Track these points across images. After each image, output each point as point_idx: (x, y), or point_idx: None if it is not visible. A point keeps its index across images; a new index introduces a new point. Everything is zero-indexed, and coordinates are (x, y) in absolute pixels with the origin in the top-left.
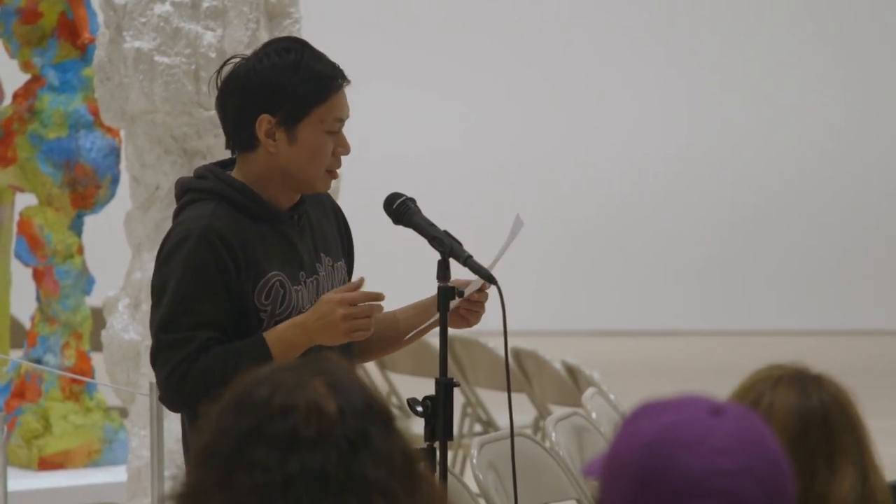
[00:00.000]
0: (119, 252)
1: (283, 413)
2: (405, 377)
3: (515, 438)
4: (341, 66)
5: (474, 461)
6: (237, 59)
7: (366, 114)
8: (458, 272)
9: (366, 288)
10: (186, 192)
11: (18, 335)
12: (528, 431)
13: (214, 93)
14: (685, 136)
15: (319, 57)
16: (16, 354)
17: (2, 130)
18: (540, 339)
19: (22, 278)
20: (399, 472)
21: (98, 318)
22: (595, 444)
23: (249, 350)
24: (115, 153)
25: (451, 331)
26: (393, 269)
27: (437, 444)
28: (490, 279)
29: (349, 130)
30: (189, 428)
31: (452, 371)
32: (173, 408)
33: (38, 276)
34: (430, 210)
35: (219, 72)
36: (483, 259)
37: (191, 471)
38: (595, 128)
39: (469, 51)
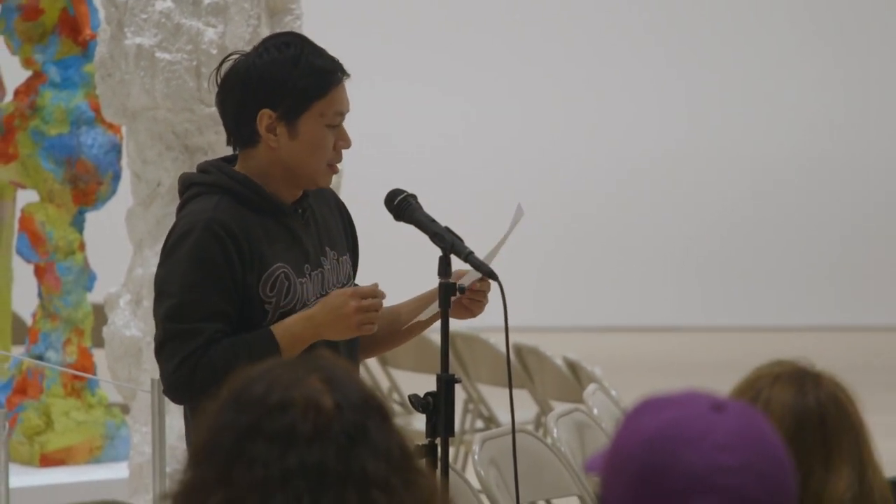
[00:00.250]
0: (120, 248)
1: (281, 409)
2: (407, 373)
3: (517, 434)
4: (341, 62)
5: (476, 457)
6: (236, 56)
7: (366, 111)
8: (460, 267)
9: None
10: (190, 187)
11: (20, 332)
12: (530, 427)
13: (214, 89)
14: (685, 135)
15: (319, 51)
16: (17, 351)
17: (3, 127)
18: (541, 335)
19: (23, 275)
20: (397, 465)
21: (99, 314)
22: (596, 441)
23: (257, 343)
24: (116, 150)
25: (452, 327)
26: (394, 266)
27: (438, 441)
28: (491, 275)
29: (350, 126)
30: (192, 422)
31: (454, 367)
32: (179, 400)
33: (39, 272)
34: (430, 207)
35: (218, 69)
36: (486, 248)
37: (189, 468)
38: (596, 126)
39: (470, 49)
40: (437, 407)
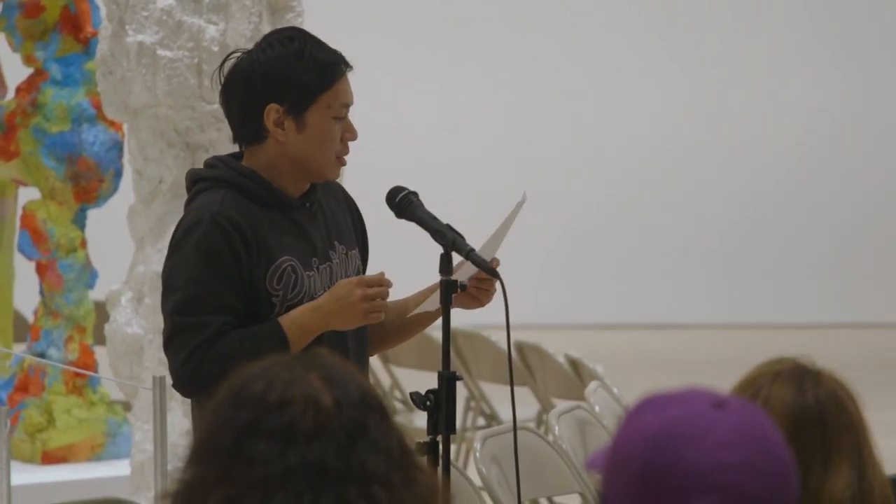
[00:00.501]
0: (122, 246)
1: (280, 407)
2: (408, 371)
3: (518, 432)
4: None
5: (477, 455)
6: (239, 54)
7: (367, 107)
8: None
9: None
10: (197, 182)
11: (22, 329)
12: (532, 425)
13: (218, 88)
14: (687, 132)
15: (321, 45)
16: (19, 348)
17: (5, 124)
18: (543, 332)
19: (25, 272)
20: (397, 462)
21: (101, 311)
22: (598, 438)
23: (265, 335)
24: (117, 147)
25: (453, 325)
26: (395, 263)
27: (440, 438)
28: (493, 273)
29: (352, 121)
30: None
31: (455, 365)
32: (187, 393)
33: (41, 269)
34: (431, 204)
35: (221, 67)
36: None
37: (188, 467)
38: (597, 123)
39: (472, 46)
40: (439, 404)
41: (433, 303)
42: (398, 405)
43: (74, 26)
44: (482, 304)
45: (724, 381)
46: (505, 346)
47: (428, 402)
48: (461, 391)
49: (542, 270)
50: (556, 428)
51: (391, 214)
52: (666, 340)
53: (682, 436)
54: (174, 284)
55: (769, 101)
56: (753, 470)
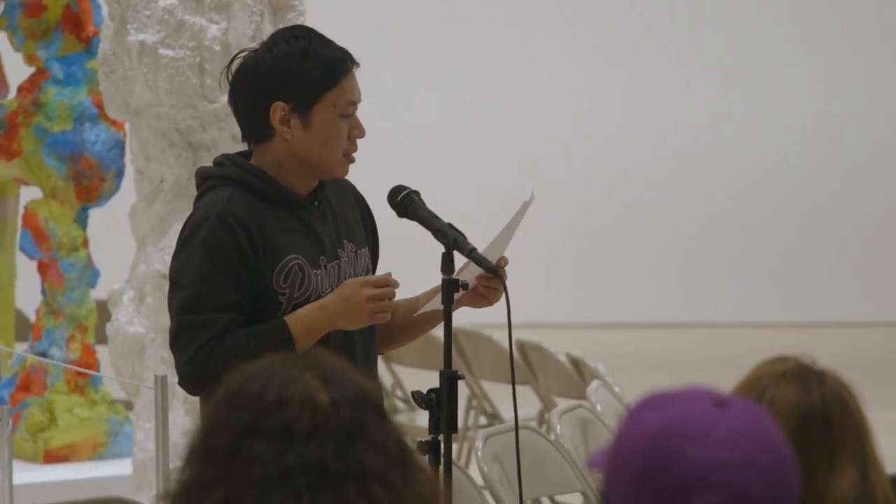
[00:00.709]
0: (124, 245)
1: (278, 407)
2: (410, 370)
3: (520, 431)
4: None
5: (479, 454)
6: (246, 53)
7: (368, 108)
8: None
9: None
10: (206, 180)
11: (23, 328)
12: (533, 424)
13: (227, 87)
14: (688, 132)
15: (328, 42)
16: (21, 348)
17: (6, 123)
18: (545, 331)
19: (27, 271)
20: (396, 460)
21: (103, 310)
22: (600, 437)
23: (271, 333)
24: (119, 146)
25: (455, 324)
26: (396, 262)
27: (441, 437)
28: (494, 272)
29: None
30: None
31: (457, 364)
32: (193, 391)
33: (42, 269)
34: (432, 204)
35: (229, 66)
36: (489, 245)
37: (186, 468)
38: (598, 123)
39: (473, 46)
40: (441, 403)
41: (440, 302)
42: (400, 404)
43: (76, 25)
44: (491, 303)
45: (725, 380)
46: (507, 345)
47: (430, 401)
48: (463, 390)
49: (544, 270)
50: (558, 427)
51: (393, 213)
52: (667, 339)
53: (684, 435)
54: (181, 282)
55: (770, 100)
56: (755, 469)
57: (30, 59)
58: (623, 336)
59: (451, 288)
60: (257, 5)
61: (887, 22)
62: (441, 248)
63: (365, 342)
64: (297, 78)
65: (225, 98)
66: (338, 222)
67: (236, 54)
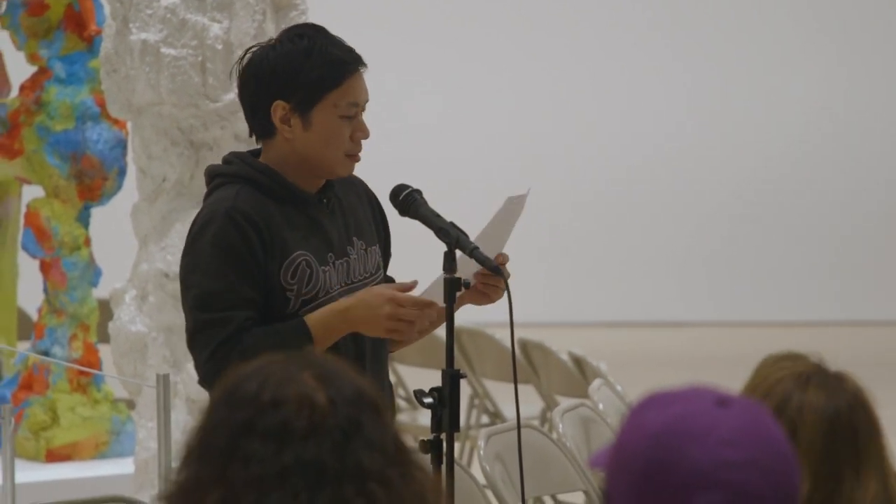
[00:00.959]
0: (126, 244)
1: (274, 406)
2: (412, 369)
3: (522, 430)
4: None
5: (481, 452)
6: (255, 48)
7: (370, 107)
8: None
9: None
10: (214, 178)
11: (26, 327)
12: (536, 423)
13: (230, 85)
14: (690, 130)
15: (334, 42)
16: (23, 346)
17: (9, 122)
18: (547, 330)
19: (29, 270)
20: (393, 459)
21: (105, 309)
22: (602, 436)
23: (290, 332)
24: (121, 145)
25: (457, 323)
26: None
27: (443, 436)
28: (496, 271)
29: None
30: None
31: (459, 362)
32: (213, 389)
33: (45, 267)
34: (434, 202)
35: (239, 62)
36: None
37: (183, 468)
38: (601, 121)
39: (475, 44)
40: (443, 402)
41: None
42: (402, 403)
43: (78, 24)
44: (492, 301)
45: (727, 378)
46: (509, 344)
47: (432, 400)
48: (465, 389)
49: (546, 268)
50: (560, 425)
51: (395, 212)
52: (669, 338)
53: (686, 433)
54: (192, 281)
55: (772, 98)
56: (757, 467)
57: (32, 58)
58: (625, 335)
59: (453, 287)
60: (259, 4)
61: (889, 20)
62: (443, 247)
63: (375, 342)
64: (299, 77)
65: (227, 97)
66: (347, 219)
67: (247, 50)
